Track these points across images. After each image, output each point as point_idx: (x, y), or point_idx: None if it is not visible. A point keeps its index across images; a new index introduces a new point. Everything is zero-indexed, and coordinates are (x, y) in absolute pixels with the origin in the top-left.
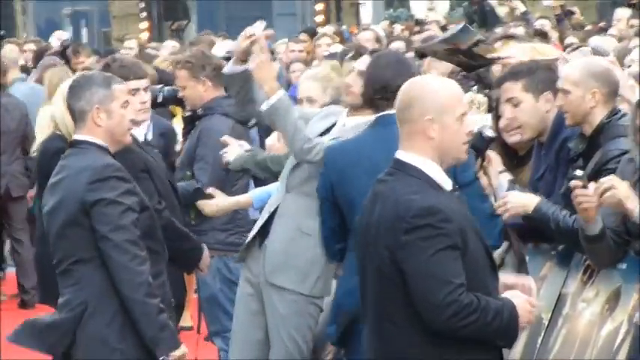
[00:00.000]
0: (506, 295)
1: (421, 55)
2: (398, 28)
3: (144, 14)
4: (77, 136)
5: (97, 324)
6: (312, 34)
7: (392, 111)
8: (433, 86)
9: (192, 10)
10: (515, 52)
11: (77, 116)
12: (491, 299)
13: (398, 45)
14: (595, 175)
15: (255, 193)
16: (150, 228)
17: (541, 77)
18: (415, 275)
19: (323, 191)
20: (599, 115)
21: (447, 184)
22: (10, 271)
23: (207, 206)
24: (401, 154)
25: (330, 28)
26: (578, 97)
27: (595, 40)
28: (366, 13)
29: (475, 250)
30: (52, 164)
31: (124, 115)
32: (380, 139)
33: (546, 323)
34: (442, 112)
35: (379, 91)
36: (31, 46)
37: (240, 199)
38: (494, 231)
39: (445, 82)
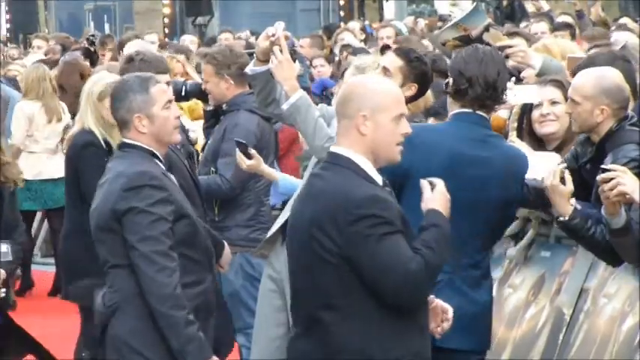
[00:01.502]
0: (424, 204)
1: (382, 49)
2: (422, 23)
3: (166, 10)
4: (124, 139)
5: (122, 327)
6: (331, 31)
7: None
8: (373, 85)
9: (216, 6)
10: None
11: (121, 124)
12: (424, 235)
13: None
14: None
15: (284, 178)
16: (189, 236)
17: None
18: (369, 263)
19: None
20: (606, 127)
21: (378, 178)
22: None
23: (241, 160)
24: (336, 148)
25: (355, 24)
26: (586, 111)
27: (616, 35)
28: (389, 8)
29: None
30: (80, 158)
31: (167, 117)
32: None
33: (568, 319)
34: (377, 110)
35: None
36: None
37: (271, 172)
38: None
39: (387, 82)
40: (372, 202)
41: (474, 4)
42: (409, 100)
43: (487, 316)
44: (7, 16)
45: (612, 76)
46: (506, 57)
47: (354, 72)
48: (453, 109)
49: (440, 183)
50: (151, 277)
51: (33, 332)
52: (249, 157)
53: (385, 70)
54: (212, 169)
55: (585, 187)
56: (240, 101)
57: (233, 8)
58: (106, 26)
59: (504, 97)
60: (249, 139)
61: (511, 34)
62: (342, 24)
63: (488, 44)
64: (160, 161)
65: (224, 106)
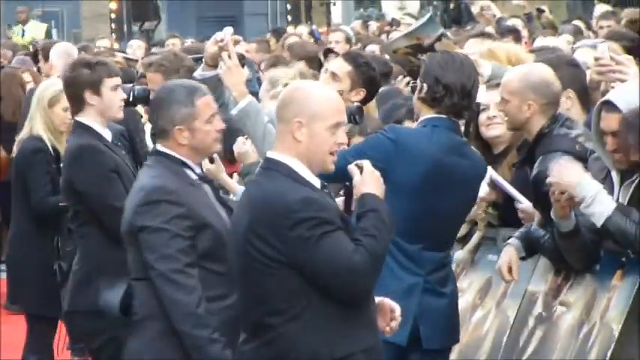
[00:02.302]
0: (356, 190)
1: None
2: (374, 26)
3: (114, 15)
4: (158, 146)
5: (142, 343)
6: (279, 34)
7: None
8: (312, 92)
9: (162, 11)
10: (474, 51)
11: (159, 132)
12: (362, 223)
13: (372, 48)
14: (535, 190)
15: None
16: (212, 248)
17: (564, 74)
18: (313, 264)
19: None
20: (536, 124)
21: (316, 182)
22: None
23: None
24: (271, 153)
25: (303, 28)
26: (514, 107)
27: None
28: (337, 12)
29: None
30: (28, 164)
31: (209, 130)
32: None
33: (512, 322)
34: (313, 118)
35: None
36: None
37: (229, 182)
38: None
39: (327, 91)
40: (307, 204)
41: (429, 14)
42: (361, 103)
43: (457, 307)
44: None
45: (540, 71)
46: None
47: (267, 86)
48: (425, 113)
49: (367, 164)
50: (170, 297)
51: None
52: (211, 161)
53: (333, 75)
54: None
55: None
56: None
57: (179, 13)
58: (54, 31)
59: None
60: None
61: (482, 36)
62: (289, 28)
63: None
64: (193, 170)
65: None
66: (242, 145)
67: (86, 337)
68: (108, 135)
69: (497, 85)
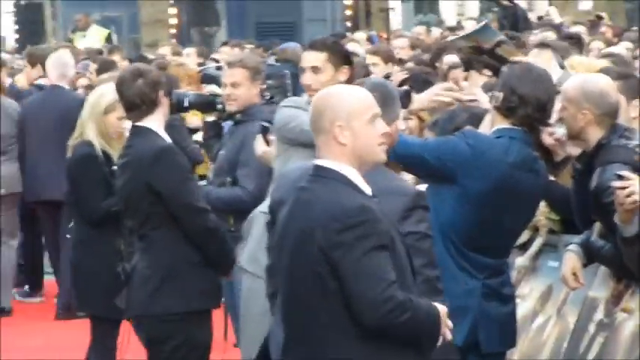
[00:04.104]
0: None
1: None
2: (437, 32)
3: (173, 20)
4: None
5: None
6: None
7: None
8: (340, 94)
9: (222, 16)
10: (537, 61)
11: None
12: (421, 300)
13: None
14: (595, 201)
15: None
16: None
17: (632, 84)
18: (351, 274)
19: (451, 162)
20: (593, 134)
21: (367, 189)
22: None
23: (259, 145)
24: (320, 161)
25: (361, 35)
26: (570, 115)
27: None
28: (396, 18)
29: (400, 252)
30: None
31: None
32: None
33: (572, 328)
34: (350, 117)
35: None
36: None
37: None
38: None
39: (352, 88)
40: (362, 211)
41: (484, 22)
42: (348, 82)
43: (514, 312)
44: (15, 27)
45: (597, 81)
46: None
47: None
48: (499, 123)
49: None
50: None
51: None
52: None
53: (314, 69)
54: (228, 179)
55: None
56: (255, 111)
57: (239, 19)
58: (114, 37)
59: (549, 120)
60: None
61: (542, 45)
62: (348, 34)
63: (501, 58)
64: None
65: (238, 116)
66: (264, 146)
67: (159, 341)
68: (169, 139)
69: None
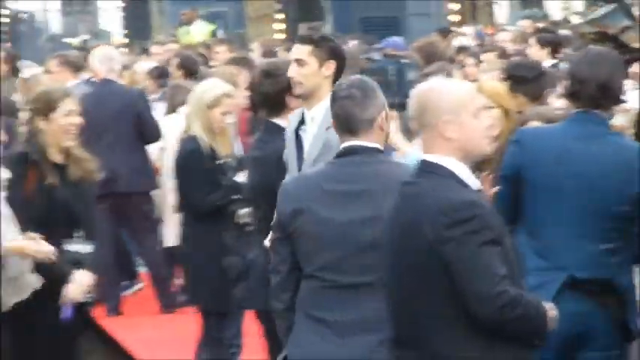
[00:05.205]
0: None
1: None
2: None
3: (279, 15)
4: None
5: None
6: (445, 34)
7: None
8: (443, 88)
9: (328, 11)
10: None
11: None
12: (530, 295)
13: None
14: None
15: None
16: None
17: None
18: (462, 269)
19: (508, 169)
20: None
21: (474, 183)
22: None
23: None
24: (425, 157)
25: (469, 29)
26: None
27: None
28: (501, 12)
29: (508, 246)
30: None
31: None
32: (575, 132)
33: None
34: (457, 111)
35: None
36: (173, 46)
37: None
38: None
39: (453, 82)
40: (472, 206)
41: (614, 5)
42: (335, 76)
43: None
44: (123, 22)
45: None
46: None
47: None
48: (571, 111)
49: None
50: None
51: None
52: None
53: (299, 62)
54: None
55: None
56: None
57: (344, 13)
58: (219, 32)
59: (622, 96)
60: None
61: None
62: (454, 29)
63: (625, 45)
64: None
65: None
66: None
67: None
68: None
69: None
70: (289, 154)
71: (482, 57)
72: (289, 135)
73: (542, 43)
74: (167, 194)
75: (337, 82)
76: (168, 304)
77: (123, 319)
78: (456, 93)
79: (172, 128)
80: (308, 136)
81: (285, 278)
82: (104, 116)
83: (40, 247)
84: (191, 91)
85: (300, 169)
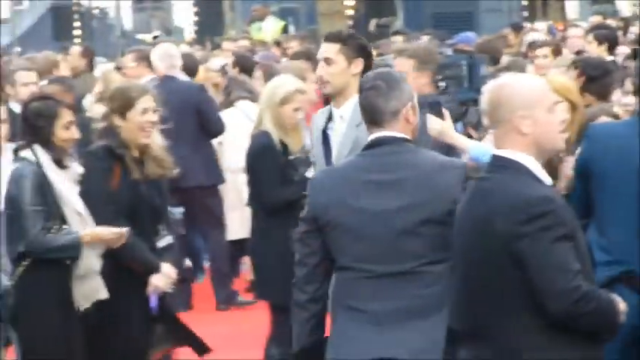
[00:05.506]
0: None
1: None
2: (613, 23)
3: (350, 12)
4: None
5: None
6: (518, 29)
7: None
8: (518, 83)
9: (399, 7)
10: None
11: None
12: (601, 290)
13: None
14: None
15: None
16: None
17: None
18: (536, 264)
19: (580, 164)
20: None
21: (546, 178)
22: None
23: (432, 124)
24: (498, 152)
25: (542, 24)
26: None
27: None
28: (572, 8)
29: (581, 241)
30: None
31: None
32: None
33: None
34: (531, 106)
35: None
36: (245, 43)
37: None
38: None
39: (528, 77)
40: (547, 201)
41: None
42: (363, 74)
43: None
44: (195, 18)
45: None
46: None
47: None
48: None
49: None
50: None
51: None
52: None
53: (327, 60)
54: None
55: None
56: (423, 100)
57: (415, 9)
58: (291, 28)
59: None
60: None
61: None
62: (526, 24)
63: None
64: None
65: None
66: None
67: None
68: None
69: None
70: (317, 153)
71: (537, 52)
72: (317, 134)
73: (600, 40)
74: (229, 188)
75: (364, 75)
76: (226, 300)
77: (192, 313)
78: (530, 88)
79: (229, 122)
80: (337, 135)
81: (312, 271)
82: (166, 113)
83: (114, 229)
84: (247, 85)
85: None
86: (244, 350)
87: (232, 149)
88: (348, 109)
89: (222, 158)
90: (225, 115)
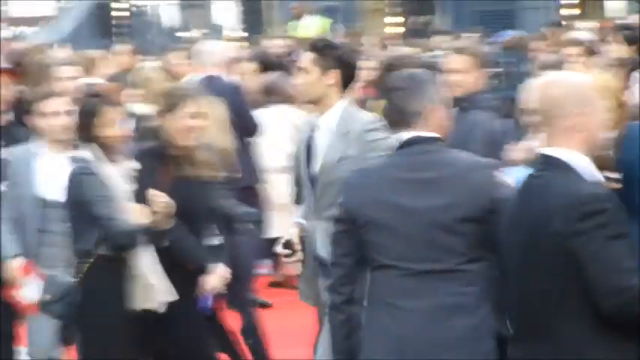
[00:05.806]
0: None
1: None
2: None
3: (392, 9)
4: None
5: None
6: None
7: None
8: (567, 81)
9: (438, 6)
10: None
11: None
12: None
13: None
14: None
15: None
16: None
17: None
18: (592, 262)
19: (620, 162)
20: None
21: (598, 176)
22: None
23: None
24: (550, 151)
25: (582, 23)
26: None
27: None
28: (610, 6)
29: (631, 239)
30: None
31: None
32: None
33: None
34: (583, 104)
35: None
36: (284, 41)
37: None
38: None
39: (579, 75)
40: (602, 199)
41: None
42: (344, 85)
43: None
44: (237, 17)
45: None
46: None
47: None
48: None
49: None
50: None
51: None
52: None
53: (301, 69)
54: None
55: None
56: (480, 99)
57: (457, 7)
58: (335, 27)
59: None
60: (491, 139)
61: None
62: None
63: None
64: None
65: (464, 104)
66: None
67: None
68: None
69: None
70: (300, 159)
71: (567, 50)
72: (302, 141)
73: (630, 41)
74: (269, 187)
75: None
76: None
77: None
78: (580, 86)
79: (267, 122)
80: (321, 143)
81: (348, 271)
82: None
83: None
84: (284, 86)
85: (309, 175)
86: (293, 347)
87: (270, 149)
88: (331, 118)
89: (261, 158)
90: (262, 114)
